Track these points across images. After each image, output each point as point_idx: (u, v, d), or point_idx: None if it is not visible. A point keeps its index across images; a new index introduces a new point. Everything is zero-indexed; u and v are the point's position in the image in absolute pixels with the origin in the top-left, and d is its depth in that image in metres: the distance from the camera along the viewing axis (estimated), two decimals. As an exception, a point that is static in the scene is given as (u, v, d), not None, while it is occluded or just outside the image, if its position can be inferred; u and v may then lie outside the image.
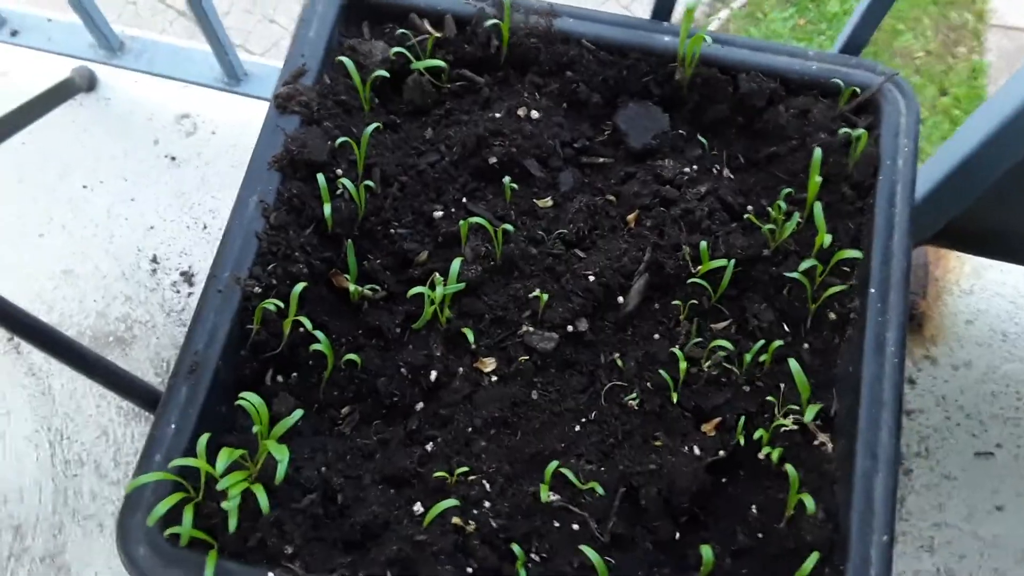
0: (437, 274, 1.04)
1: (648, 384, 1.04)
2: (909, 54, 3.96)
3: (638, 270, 1.07)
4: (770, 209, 1.10)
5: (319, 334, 1.00)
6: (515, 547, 0.90)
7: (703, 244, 1.05)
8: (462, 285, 1.03)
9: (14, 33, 1.89)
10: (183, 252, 1.91)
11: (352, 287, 1.06)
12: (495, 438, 1.01)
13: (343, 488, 0.97)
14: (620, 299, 1.08)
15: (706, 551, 0.92)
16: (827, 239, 1.01)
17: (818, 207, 1.04)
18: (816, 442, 1.02)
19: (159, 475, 0.89)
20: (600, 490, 0.96)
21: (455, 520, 0.94)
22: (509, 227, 1.06)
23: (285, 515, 0.92)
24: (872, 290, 1.02)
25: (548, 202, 1.12)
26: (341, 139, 1.07)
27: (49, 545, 1.66)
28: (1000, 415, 1.74)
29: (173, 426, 0.95)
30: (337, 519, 0.95)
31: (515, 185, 1.10)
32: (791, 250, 1.08)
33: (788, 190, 1.09)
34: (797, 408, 1.01)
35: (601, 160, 1.16)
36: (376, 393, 1.05)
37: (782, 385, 1.04)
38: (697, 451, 1.00)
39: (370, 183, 1.08)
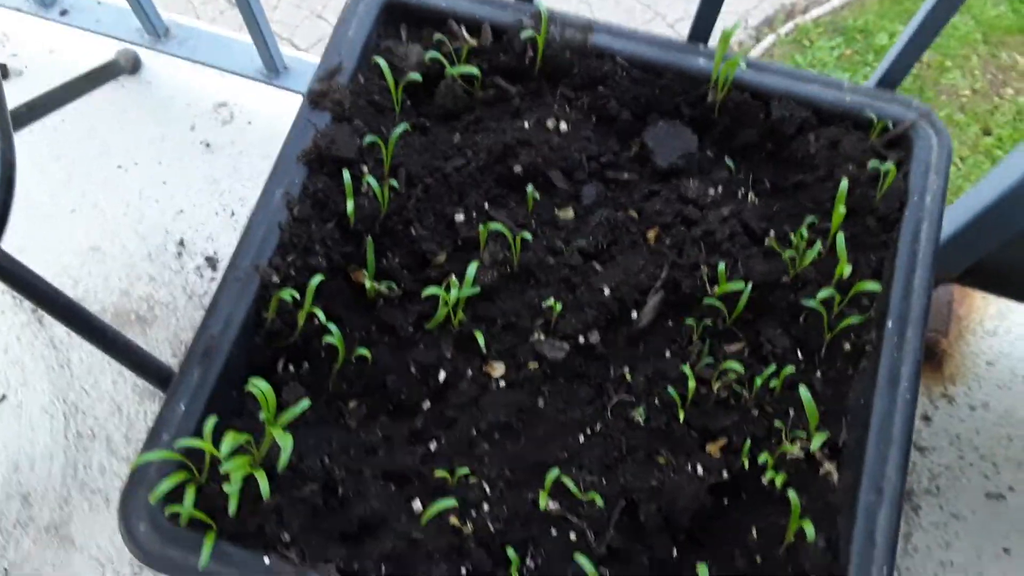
0: (453, 276, 1.04)
1: (656, 400, 1.04)
2: (955, 91, 3.93)
3: (654, 287, 1.08)
4: (792, 236, 1.09)
5: (332, 327, 1.01)
6: (510, 551, 0.91)
7: (721, 265, 1.05)
8: (477, 289, 1.04)
9: (63, 12, 1.94)
10: (209, 238, 1.94)
11: (369, 283, 1.07)
12: (499, 443, 1.01)
13: (344, 480, 0.97)
14: (634, 314, 1.08)
15: (702, 570, 0.91)
16: (847, 269, 1.01)
17: (840, 237, 1.03)
18: (822, 471, 1.01)
19: (165, 454, 0.91)
20: (600, 502, 0.96)
21: (453, 520, 0.95)
22: (528, 235, 1.06)
23: (285, 502, 0.93)
24: (889, 324, 1.02)
25: (569, 214, 1.13)
26: (370, 138, 1.08)
27: (55, 516, 1.69)
28: (1014, 459, 1.71)
29: (183, 407, 0.96)
30: (336, 511, 0.96)
31: (538, 195, 1.11)
32: (811, 278, 1.07)
33: (812, 218, 1.08)
34: (805, 435, 1.01)
35: (626, 176, 1.16)
36: (384, 389, 1.06)
37: (791, 411, 1.04)
38: (700, 471, 1.00)
39: (395, 183, 1.09)
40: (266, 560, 0.89)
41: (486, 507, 0.97)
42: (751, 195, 1.16)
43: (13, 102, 1.71)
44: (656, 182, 1.16)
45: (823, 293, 1.02)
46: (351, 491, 0.97)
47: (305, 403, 0.92)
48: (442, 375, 1.05)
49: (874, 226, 1.09)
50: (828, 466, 1.01)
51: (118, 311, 1.91)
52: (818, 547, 0.94)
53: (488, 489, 0.98)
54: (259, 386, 0.91)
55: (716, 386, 1.04)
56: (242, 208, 1.99)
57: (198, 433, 0.93)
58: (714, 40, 1.19)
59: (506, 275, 1.09)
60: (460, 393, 1.04)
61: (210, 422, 0.90)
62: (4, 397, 1.78)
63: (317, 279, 1.01)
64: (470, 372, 1.05)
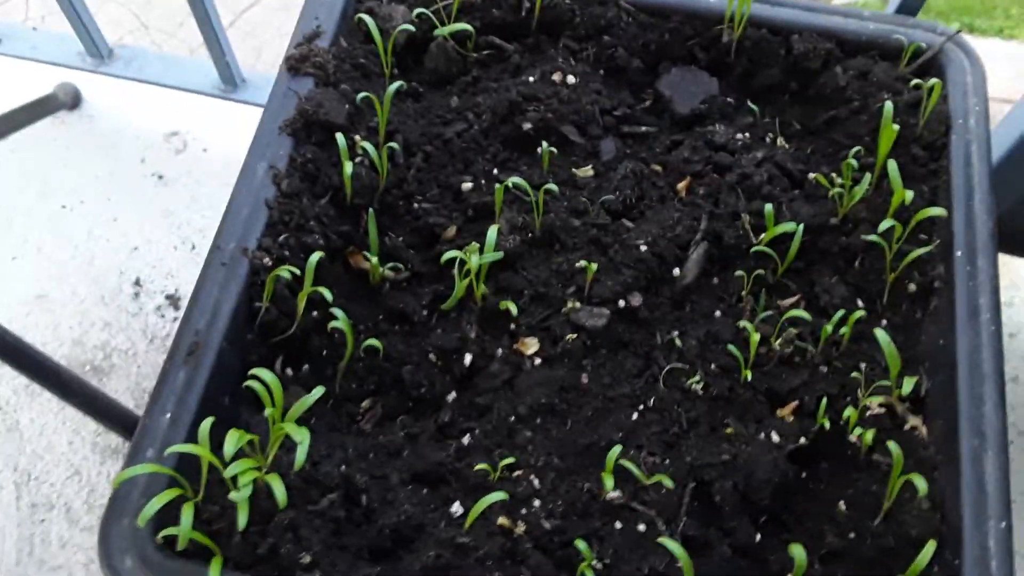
0: (474, 242, 0.91)
1: (712, 365, 0.91)
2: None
3: (694, 240, 0.96)
4: (834, 175, 0.99)
5: (337, 311, 0.87)
6: (580, 543, 0.76)
7: (768, 207, 0.94)
8: (500, 254, 0.91)
9: (-4, 41, 1.79)
10: (169, 274, 1.78)
11: (373, 262, 0.93)
12: (542, 428, 0.87)
13: (368, 488, 0.82)
14: (676, 271, 0.96)
15: (798, 552, 0.78)
16: (908, 195, 0.91)
17: (892, 164, 0.94)
18: (907, 426, 0.89)
19: (151, 467, 0.75)
20: (669, 483, 0.82)
21: (501, 520, 0.80)
22: (553, 187, 0.94)
23: (301, 518, 0.77)
24: (958, 253, 0.91)
25: (589, 171, 1.01)
26: (362, 94, 0.96)
27: (13, 596, 1.48)
28: (1052, 433, 1.62)
29: (168, 416, 0.80)
30: (363, 524, 0.81)
31: (553, 150, 0.99)
32: (861, 217, 0.97)
33: (857, 148, 0.99)
34: (882, 389, 0.89)
35: (644, 129, 1.05)
36: (401, 384, 0.92)
37: (863, 365, 0.92)
38: (776, 438, 0.87)
39: (394, 145, 0.97)
40: (285, 587, 0.73)
41: (537, 502, 0.83)
42: (780, 139, 1.06)
43: (-60, 137, 1.55)
44: (678, 132, 1.05)
45: (885, 224, 0.91)
46: (377, 499, 0.82)
47: (319, 391, 0.77)
48: (468, 359, 0.91)
49: (921, 155, 0.99)
50: (913, 420, 0.90)
51: (71, 363, 1.72)
52: (923, 507, 0.82)
53: (537, 482, 0.84)
54: (262, 377, 0.76)
55: (777, 343, 0.92)
56: (203, 240, 1.83)
57: (190, 443, 0.77)
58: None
59: (528, 241, 0.96)
60: (490, 377, 0.90)
61: (206, 424, 0.75)
62: (-55, 465, 1.57)
63: (316, 256, 0.87)
64: (500, 352, 0.91)
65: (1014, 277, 1.77)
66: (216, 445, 0.74)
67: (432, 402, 0.91)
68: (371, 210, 0.95)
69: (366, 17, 1.00)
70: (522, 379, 0.90)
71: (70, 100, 1.91)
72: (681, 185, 1.01)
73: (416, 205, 0.99)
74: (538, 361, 0.91)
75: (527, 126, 1.01)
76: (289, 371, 0.92)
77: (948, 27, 1.06)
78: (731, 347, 0.90)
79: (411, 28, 1.01)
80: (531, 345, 0.92)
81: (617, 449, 0.81)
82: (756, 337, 0.88)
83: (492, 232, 0.91)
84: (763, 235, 0.96)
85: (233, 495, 0.70)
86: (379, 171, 0.96)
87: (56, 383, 1.29)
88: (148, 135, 1.96)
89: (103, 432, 1.61)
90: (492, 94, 1.04)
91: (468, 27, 1.05)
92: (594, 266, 0.92)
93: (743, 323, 0.91)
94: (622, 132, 1.05)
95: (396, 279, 0.97)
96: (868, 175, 0.97)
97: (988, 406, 0.84)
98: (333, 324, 0.87)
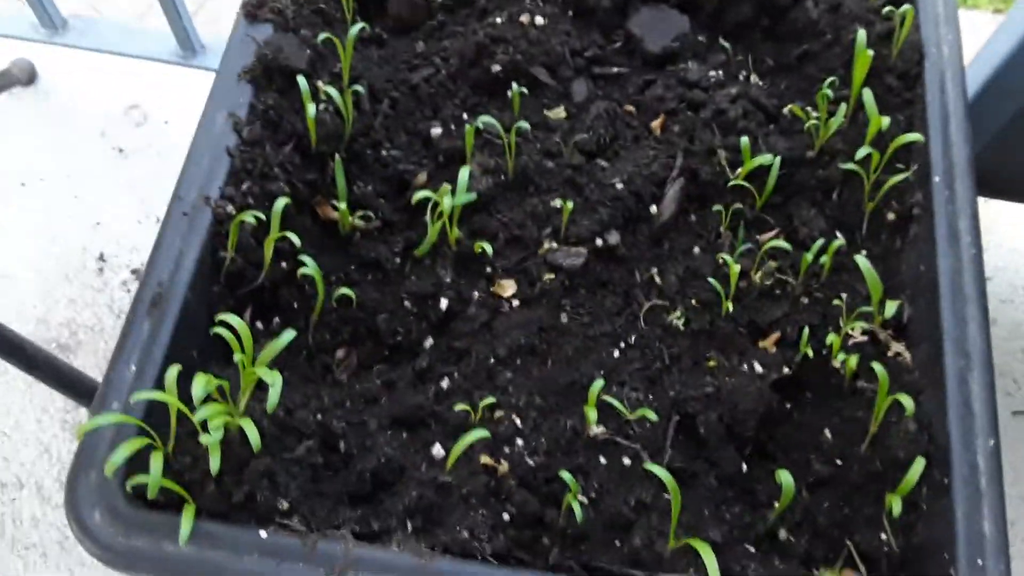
0: (444, 184, 0.89)
1: (693, 301, 0.90)
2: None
3: (671, 177, 0.94)
4: (809, 109, 0.98)
5: (306, 258, 0.85)
6: (566, 475, 0.74)
7: (744, 140, 0.92)
8: (473, 196, 0.89)
9: (-55, 16, 1.72)
10: (134, 248, 1.73)
11: (342, 209, 0.91)
12: (522, 368, 0.86)
13: (345, 433, 0.80)
14: (653, 209, 0.94)
15: (785, 477, 0.77)
16: (885, 121, 0.89)
17: (868, 93, 0.92)
18: (890, 353, 0.88)
19: (118, 416, 0.72)
20: (653, 416, 0.81)
21: (484, 460, 0.78)
22: (525, 124, 0.92)
23: (277, 465, 0.75)
24: (936, 179, 0.91)
25: (561, 113, 0.99)
26: (323, 35, 0.93)
27: (-14, 579, 1.44)
28: (1034, 374, 1.63)
29: (133, 367, 0.77)
30: (341, 470, 0.78)
31: (524, 90, 0.97)
32: (838, 149, 0.96)
33: (832, 78, 0.97)
34: (864, 317, 0.88)
35: (615, 70, 1.03)
36: (376, 332, 0.89)
37: (844, 295, 0.91)
38: (759, 368, 0.86)
39: (359, 88, 0.94)
40: (262, 534, 0.70)
41: (520, 441, 0.81)
42: (753, 76, 1.04)
43: None
44: (650, 71, 1.03)
45: (862, 151, 0.90)
46: (355, 445, 0.80)
47: (290, 335, 0.75)
48: (443, 304, 0.89)
49: (896, 85, 0.98)
50: (896, 346, 0.89)
51: (37, 341, 1.67)
52: (909, 429, 0.81)
53: (519, 421, 0.82)
54: (229, 321, 0.74)
55: (757, 276, 0.91)
56: (168, 213, 1.79)
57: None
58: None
59: (501, 184, 0.94)
60: (468, 320, 0.88)
61: (172, 370, 0.72)
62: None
63: (283, 202, 0.84)
64: (476, 295, 0.89)
65: (988, 221, 1.78)
66: (186, 399, 0.72)
67: (408, 349, 0.89)
68: (338, 157, 0.92)
69: (325, -41, 0.97)
70: (500, 321, 0.88)
71: (25, 76, 1.86)
72: (655, 123, 0.99)
73: (384, 152, 0.97)
74: (516, 303, 0.89)
75: (496, 68, 0.98)
76: (259, 325, 0.89)
77: (917, -42, 1.05)
78: (711, 280, 0.88)
79: (372, -34, 0.98)
80: (508, 287, 0.90)
81: (599, 383, 0.80)
82: (736, 269, 0.87)
83: (464, 173, 0.88)
84: (740, 170, 0.94)
85: (204, 438, 0.67)
86: (344, 117, 0.93)
87: (21, 357, 1.25)
88: (107, 109, 1.90)
89: (72, 409, 1.57)
90: (459, 38, 1.01)
91: (432, -30, 1.03)
92: (570, 205, 0.90)
93: (722, 256, 0.90)
94: (593, 73, 1.03)
95: (366, 228, 0.94)
96: (843, 106, 0.96)
97: (972, 327, 0.84)
98: (303, 271, 0.84)
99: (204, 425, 0.69)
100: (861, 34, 0.93)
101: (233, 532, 0.70)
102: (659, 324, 0.89)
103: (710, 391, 0.84)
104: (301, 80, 0.89)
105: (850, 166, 0.92)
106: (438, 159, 0.97)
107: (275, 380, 0.69)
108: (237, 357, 0.73)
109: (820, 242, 0.90)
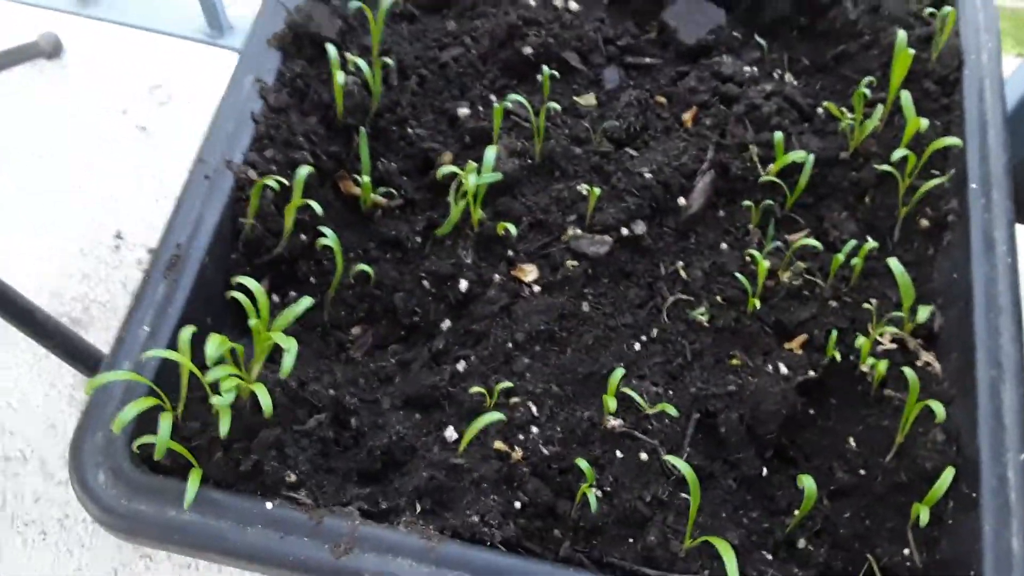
0: (471, 162, 0.87)
1: (718, 297, 0.88)
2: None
3: (700, 169, 0.92)
4: (844, 109, 0.96)
5: (326, 229, 0.83)
6: (582, 463, 0.72)
7: (778, 135, 0.90)
8: (498, 176, 0.87)
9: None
10: (151, 227, 1.72)
11: (364, 183, 0.89)
12: (540, 355, 0.83)
13: (358, 410, 0.78)
14: (681, 201, 0.92)
15: (808, 482, 0.74)
16: (924, 123, 0.87)
17: (906, 94, 0.90)
18: (920, 362, 0.86)
19: (128, 375, 0.70)
20: (673, 411, 0.79)
21: (498, 445, 0.76)
22: (555, 105, 0.90)
23: (287, 437, 0.73)
24: (973, 185, 0.88)
25: (591, 99, 0.98)
26: (354, 4, 0.91)
27: (-19, 551, 1.42)
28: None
29: (147, 328, 0.76)
30: (351, 447, 0.76)
31: (555, 73, 0.95)
32: (872, 152, 0.94)
33: (869, 78, 0.95)
34: (894, 323, 0.86)
35: (648, 60, 1.02)
36: (393, 311, 0.87)
37: (874, 301, 0.89)
38: (784, 369, 0.83)
39: (388, 60, 0.92)
40: (268, 506, 0.68)
41: (535, 429, 0.79)
42: (788, 75, 1.02)
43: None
44: (683, 63, 1.02)
45: (898, 153, 0.88)
46: (367, 423, 0.78)
47: (307, 301, 0.73)
48: (463, 285, 0.87)
49: (934, 89, 0.96)
50: (926, 355, 0.86)
51: (48, 314, 1.66)
52: (937, 440, 0.79)
53: (535, 409, 0.80)
54: (245, 283, 0.72)
55: (785, 276, 0.89)
56: (188, 191, 1.78)
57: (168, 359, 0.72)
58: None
59: (527, 167, 0.92)
60: (487, 303, 0.86)
61: (186, 331, 0.70)
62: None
63: (306, 169, 0.82)
64: (497, 277, 0.87)
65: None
66: (199, 364, 0.70)
67: (425, 330, 0.87)
68: (363, 130, 0.90)
69: (361, -70, 0.95)
70: (520, 306, 0.85)
71: (50, 48, 1.85)
72: (687, 115, 0.97)
73: (410, 130, 0.95)
74: (537, 288, 0.87)
75: (527, 51, 0.97)
76: (275, 298, 0.88)
77: (961, -36, 1.03)
78: (738, 276, 0.86)
79: (408, -60, 0.96)
80: (530, 272, 0.88)
81: (619, 373, 0.77)
82: (764, 266, 0.85)
83: (490, 152, 0.86)
84: (771, 166, 0.92)
85: (215, 399, 0.65)
86: (371, 90, 0.92)
87: (32, 324, 1.24)
88: (131, 87, 1.90)
89: (80, 384, 1.55)
90: (491, 18, 1.00)
91: (468, -50, 1.01)
92: (597, 191, 0.88)
93: (750, 253, 0.88)
94: (626, 62, 1.01)
95: (388, 206, 0.93)
96: (879, 108, 0.94)
97: (1005, 337, 0.81)
98: (321, 241, 0.82)
99: (215, 388, 0.67)
100: (901, 34, 0.91)
101: (238, 502, 0.68)
102: (682, 319, 0.87)
103: (732, 390, 0.82)
104: (330, 48, 0.87)
105: (885, 168, 0.89)
106: (464, 139, 0.95)
107: (291, 345, 0.67)
108: (252, 322, 0.71)
109: (852, 243, 0.87)
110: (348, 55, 0.93)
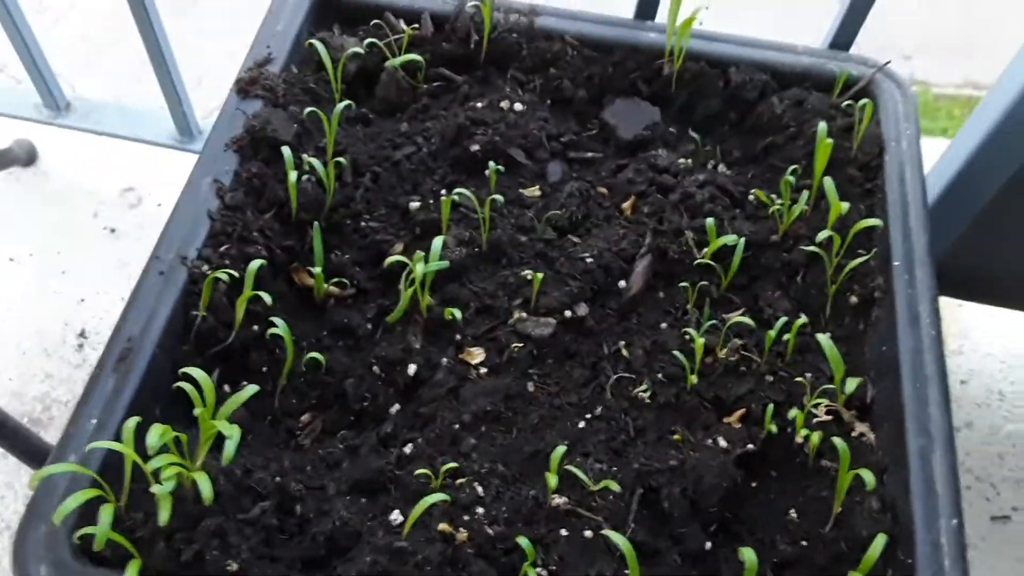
0: (418, 251, 0.91)
1: (659, 375, 0.91)
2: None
3: (639, 253, 0.97)
4: (773, 196, 1.02)
5: (277, 320, 0.86)
6: (523, 541, 0.73)
7: (710, 221, 0.95)
8: (445, 263, 0.91)
9: (-49, 95, 1.79)
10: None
11: (317, 274, 0.93)
12: (486, 435, 0.85)
13: (303, 497, 0.79)
14: (622, 284, 0.96)
15: (749, 555, 0.76)
16: (844, 207, 0.93)
17: (828, 180, 0.96)
18: (855, 433, 0.88)
19: (71, 466, 0.71)
20: (616, 487, 0.80)
21: (442, 527, 0.77)
22: (499, 197, 0.95)
23: (230, 525, 0.74)
24: (896, 263, 0.93)
25: (536, 191, 1.03)
26: (309, 109, 0.97)
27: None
28: (1011, 477, 1.62)
29: (94, 421, 0.77)
30: (296, 535, 0.77)
31: (501, 168, 1.01)
32: (801, 234, 0.99)
33: (794, 167, 1.01)
34: (827, 398, 0.89)
35: (589, 154, 1.08)
36: (343, 397, 0.90)
37: (808, 374, 0.92)
38: (723, 443, 0.86)
39: (341, 160, 0.98)
40: (209, 594, 0.69)
41: (480, 509, 0.80)
42: (721, 166, 1.09)
43: None
44: (623, 157, 1.08)
45: (822, 235, 0.93)
46: (312, 509, 0.79)
47: (252, 389, 0.75)
48: (412, 369, 0.89)
49: (857, 175, 1.03)
50: (860, 426, 0.89)
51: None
52: (873, 508, 0.81)
53: (480, 488, 0.81)
54: (192, 374, 0.74)
55: (722, 353, 0.92)
56: (155, 291, 1.80)
57: (114, 452, 0.74)
58: (660, 17, 1.16)
59: (475, 255, 0.96)
60: (435, 386, 0.88)
61: (131, 422, 0.72)
62: None
63: (257, 263, 0.86)
64: (445, 361, 0.90)
65: (962, 325, 1.81)
66: (144, 455, 0.71)
67: (374, 415, 0.89)
68: (316, 224, 0.94)
69: (317, 44, 1.02)
70: (467, 388, 0.88)
71: (25, 156, 1.91)
72: (626, 204, 1.03)
73: (363, 223, 0.99)
74: (484, 370, 0.90)
75: (475, 148, 1.03)
76: (227, 388, 0.90)
77: (877, 60, 1.11)
78: (677, 353, 0.90)
79: (360, 51, 1.03)
80: (477, 355, 0.90)
81: (562, 450, 0.79)
82: (701, 342, 0.88)
83: (437, 242, 0.91)
84: (705, 250, 0.97)
85: (154, 488, 0.66)
86: (325, 187, 0.96)
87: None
88: (103, 190, 1.95)
89: (38, 484, 1.53)
90: (441, 120, 1.06)
91: (419, 58, 1.08)
92: (540, 276, 0.92)
93: (688, 332, 0.91)
94: (568, 157, 1.08)
95: (341, 295, 0.96)
96: (805, 193, 1.00)
97: (933, 407, 0.84)
98: (272, 331, 0.85)
99: (157, 477, 0.68)
100: (822, 125, 0.98)
101: (179, 591, 0.69)
102: (625, 396, 0.90)
103: (674, 464, 0.84)
104: (286, 150, 0.92)
105: (813, 249, 0.94)
106: (415, 231, 0.99)
107: (233, 433, 0.69)
108: (197, 410, 0.73)
109: (783, 320, 0.91)
110: (304, 156, 0.98)
